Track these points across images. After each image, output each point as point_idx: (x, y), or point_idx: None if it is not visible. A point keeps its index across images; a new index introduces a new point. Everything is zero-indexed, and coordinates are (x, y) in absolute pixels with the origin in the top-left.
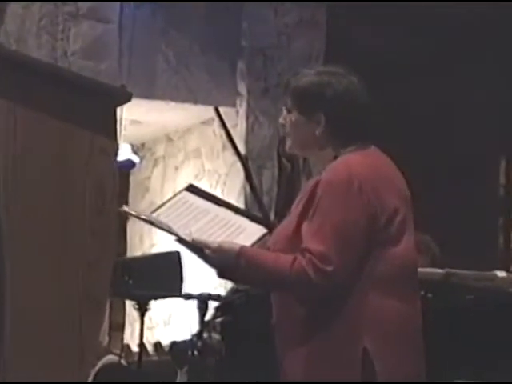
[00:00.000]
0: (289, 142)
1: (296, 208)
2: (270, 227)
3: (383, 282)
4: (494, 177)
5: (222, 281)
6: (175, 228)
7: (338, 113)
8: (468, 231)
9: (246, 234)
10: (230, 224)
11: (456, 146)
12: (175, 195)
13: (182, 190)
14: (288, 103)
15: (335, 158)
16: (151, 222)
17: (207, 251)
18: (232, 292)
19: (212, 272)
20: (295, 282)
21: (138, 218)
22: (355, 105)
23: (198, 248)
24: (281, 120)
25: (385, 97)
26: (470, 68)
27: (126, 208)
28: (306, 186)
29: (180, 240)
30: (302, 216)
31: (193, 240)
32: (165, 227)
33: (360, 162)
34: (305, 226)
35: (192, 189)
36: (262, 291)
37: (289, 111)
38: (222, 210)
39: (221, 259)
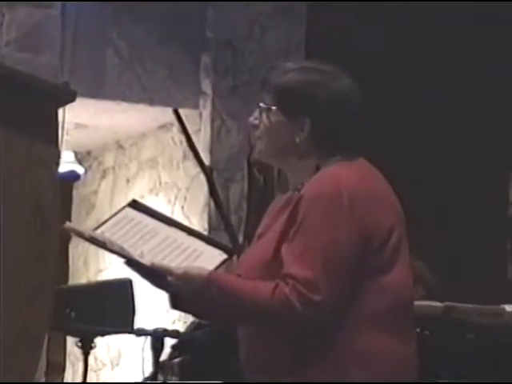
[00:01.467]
0: (260, 146)
1: (271, 227)
2: (232, 251)
3: (376, 316)
4: (502, 194)
5: (181, 314)
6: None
7: (327, 119)
8: (471, 257)
9: (204, 258)
10: (184, 247)
11: (459, 159)
12: (117, 212)
13: (124, 207)
14: (267, 100)
15: (317, 169)
16: (100, 243)
17: (170, 278)
18: (193, 327)
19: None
20: (277, 314)
21: (84, 237)
22: (347, 111)
23: (156, 274)
24: (252, 120)
25: (376, 99)
26: (476, 71)
27: (70, 225)
28: (277, 203)
29: (132, 263)
30: (283, 237)
31: (152, 265)
32: (116, 248)
33: (348, 174)
34: (285, 249)
35: (136, 205)
36: (229, 326)
37: (267, 110)
38: (173, 231)
39: (187, 288)
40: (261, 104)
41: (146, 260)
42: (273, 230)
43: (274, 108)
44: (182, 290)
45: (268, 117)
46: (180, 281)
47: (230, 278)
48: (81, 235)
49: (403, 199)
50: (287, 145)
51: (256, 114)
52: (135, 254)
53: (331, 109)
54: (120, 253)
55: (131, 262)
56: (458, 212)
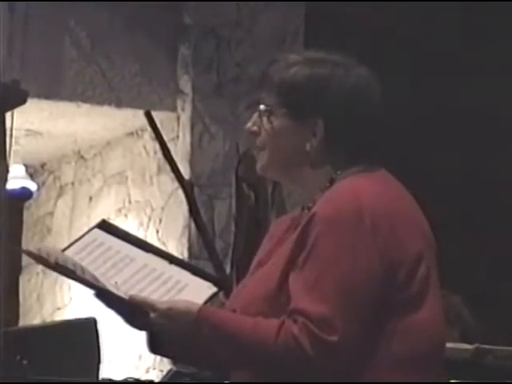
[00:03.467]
0: (264, 160)
1: (274, 253)
2: (223, 284)
3: (403, 360)
4: None
5: (157, 360)
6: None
7: (344, 120)
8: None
9: (189, 292)
10: (166, 277)
11: (503, 170)
12: (83, 235)
13: (91, 228)
14: (269, 101)
15: (331, 182)
16: (68, 271)
17: (153, 315)
18: (170, 376)
19: (145, 346)
20: (283, 358)
21: (49, 265)
22: (367, 108)
23: (136, 310)
24: (250, 126)
25: (390, 95)
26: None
27: (32, 249)
28: (281, 224)
29: (104, 295)
30: (290, 264)
31: (131, 298)
32: (88, 277)
33: (369, 188)
34: (293, 279)
35: (106, 226)
36: (220, 373)
37: (269, 112)
38: (152, 258)
39: (173, 327)
40: (261, 106)
41: (120, 293)
42: (277, 256)
43: (278, 110)
44: (166, 329)
45: (270, 121)
46: (165, 318)
47: (225, 315)
48: (44, 262)
49: (431, 219)
50: (296, 154)
51: (254, 118)
52: (109, 285)
53: (347, 107)
54: (92, 283)
55: (103, 295)
56: (504, 238)
